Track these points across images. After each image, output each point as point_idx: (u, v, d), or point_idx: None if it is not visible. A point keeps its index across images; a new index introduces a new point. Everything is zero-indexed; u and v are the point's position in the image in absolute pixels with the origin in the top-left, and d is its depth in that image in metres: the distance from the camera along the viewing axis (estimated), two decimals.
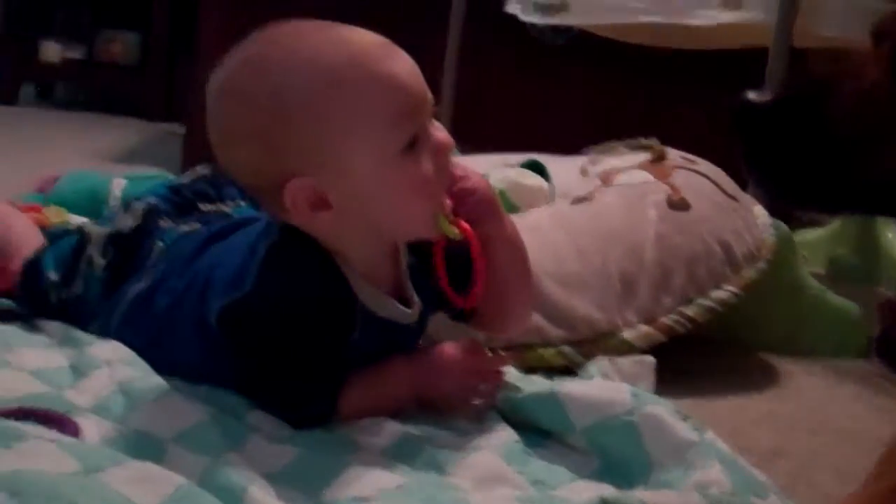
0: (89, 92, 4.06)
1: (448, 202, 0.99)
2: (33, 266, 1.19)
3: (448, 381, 1.01)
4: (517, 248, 1.07)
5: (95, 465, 0.79)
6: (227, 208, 1.18)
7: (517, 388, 1.03)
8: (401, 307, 1.02)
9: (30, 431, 0.83)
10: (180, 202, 1.18)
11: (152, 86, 3.75)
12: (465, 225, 1.00)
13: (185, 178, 1.21)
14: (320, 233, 0.97)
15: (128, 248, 1.14)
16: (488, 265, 1.03)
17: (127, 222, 1.15)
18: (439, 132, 0.98)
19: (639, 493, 0.77)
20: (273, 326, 0.95)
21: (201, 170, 1.22)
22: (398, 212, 0.97)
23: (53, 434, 0.86)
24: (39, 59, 3.83)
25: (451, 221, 0.98)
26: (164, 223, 1.15)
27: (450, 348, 1.03)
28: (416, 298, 1.03)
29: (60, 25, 3.92)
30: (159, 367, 1.03)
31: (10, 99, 3.75)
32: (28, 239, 1.24)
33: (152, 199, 1.17)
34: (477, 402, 1.01)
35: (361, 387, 0.98)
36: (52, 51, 3.83)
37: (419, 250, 1.04)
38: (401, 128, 0.94)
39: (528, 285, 1.09)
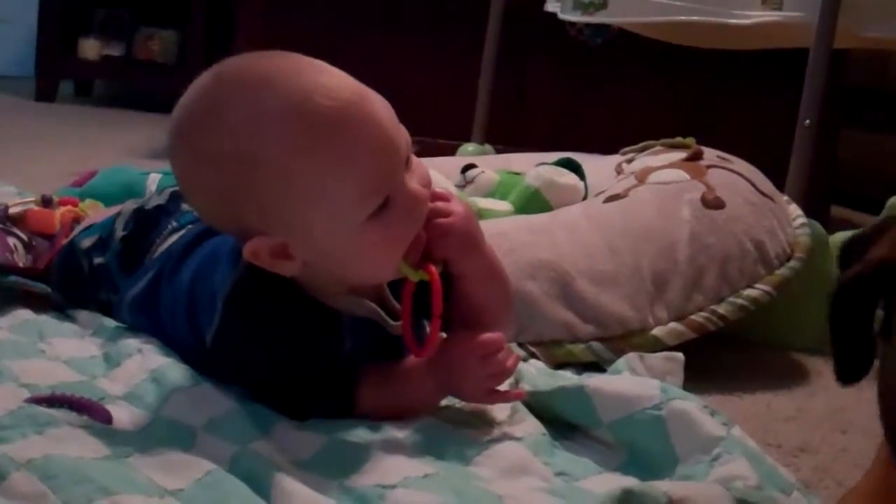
0: (127, 89, 4.10)
1: (420, 242, 0.95)
2: (71, 243, 1.22)
3: (471, 382, 0.98)
4: (496, 281, 1.03)
5: (125, 451, 0.80)
6: None
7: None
8: (383, 314, 0.99)
9: (61, 417, 0.85)
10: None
11: (190, 83, 3.79)
12: (432, 268, 0.95)
13: None
14: (284, 273, 0.94)
15: (146, 224, 1.16)
16: (466, 298, 1.00)
17: (153, 201, 1.18)
18: (413, 182, 0.92)
19: (663, 484, 0.77)
20: (260, 354, 0.95)
21: None
22: (362, 266, 0.94)
23: (85, 420, 0.87)
24: (78, 57, 3.87)
25: (415, 265, 0.95)
26: (186, 205, 1.15)
27: (468, 350, 0.98)
28: (396, 310, 1.00)
29: (99, 23, 3.96)
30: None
31: (48, 96, 3.79)
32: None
33: None
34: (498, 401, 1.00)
35: (380, 384, 0.98)
36: (90, 48, 3.87)
37: None
38: (369, 200, 0.90)
39: (506, 314, 1.07)
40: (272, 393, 0.96)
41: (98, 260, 1.18)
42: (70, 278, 1.21)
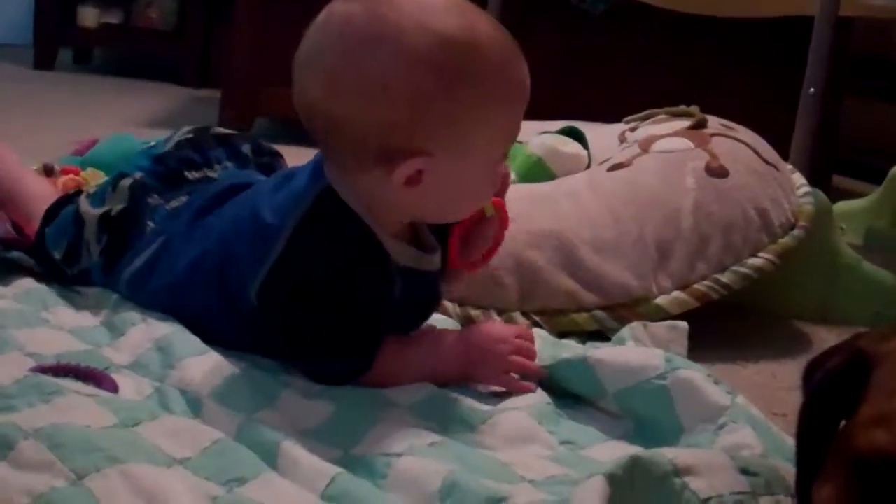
0: (127, 57, 4.08)
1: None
2: (40, 240, 1.19)
3: (496, 361, 1.01)
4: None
5: (132, 419, 0.80)
6: (213, 173, 1.17)
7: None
8: (424, 255, 1.02)
9: (68, 386, 0.85)
10: (166, 172, 1.17)
11: (189, 51, 3.76)
12: (499, 201, 1.05)
13: (169, 144, 1.19)
14: (381, 200, 0.96)
15: (119, 230, 1.14)
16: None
17: (116, 204, 1.14)
18: None
19: (668, 451, 0.77)
20: (313, 290, 0.95)
21: (184, 133, 1.20)
22: (460, 204, 1.00)
23: (91, 389, 0.87)
24: (77, 24, 3.84)
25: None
26: (153, 200, 1.14)
27: (498, 328, 1.05)
28: (433, 242, 1.04)
29: None
30: None
31: (47, 64, 3.77)
32: (44, 198, 1.24)
33: (138, 175, 1.15)
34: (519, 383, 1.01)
35: (402, 349, 0.99)
36: (89, 16, 3.84)
37: None
38: (512, 137, 0.99)
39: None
40: (304, 338, 0.97)
41: (74, 270, 1.16)
42: (53, 274, 1.18)
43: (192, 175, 1.17)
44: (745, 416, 0.90)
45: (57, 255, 1.17)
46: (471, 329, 1.06)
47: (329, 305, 0.95)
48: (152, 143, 1.64)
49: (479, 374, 1.01)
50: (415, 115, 0.91)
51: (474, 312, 1.26)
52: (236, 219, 1.02)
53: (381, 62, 0.90)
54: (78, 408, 0.80)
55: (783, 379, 1.25)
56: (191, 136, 1.20)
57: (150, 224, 1.12)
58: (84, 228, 1.15)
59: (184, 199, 1.13)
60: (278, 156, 1.24)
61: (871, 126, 2.96)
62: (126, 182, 1.15)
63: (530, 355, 1.03)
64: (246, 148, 1.22)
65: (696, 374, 0.94)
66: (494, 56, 0.93)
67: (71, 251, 1.16)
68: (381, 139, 0.92)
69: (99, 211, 1.15)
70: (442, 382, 0.99)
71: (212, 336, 1.01)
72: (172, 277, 1.06)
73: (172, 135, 1.22)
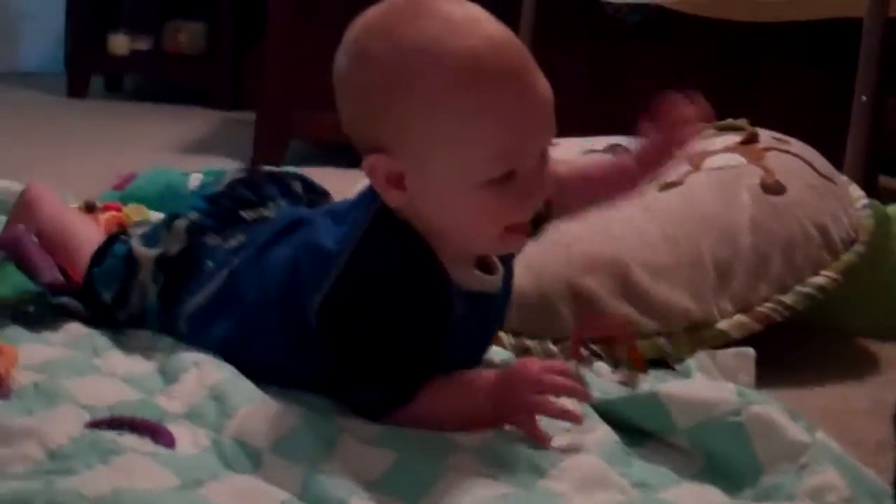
0: (158, 83, 4.08)
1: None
2: (88, 286, 1.17)
3: (529, 396, 0.93)
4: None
5: (195, 480, 0.77)
6: (268, 212, 1.16)
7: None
8: (486, 276, 1.00)
9: (125, 444, 0.82)
10: (221, 213, 1.15)
11: (220, 74, 3.76)
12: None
13: (223, 185, 1.17)
14: (389, 201, 0.95)
15: (177, 271, 1.12)
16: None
17: (173, 245, 1.13)
18: (541, 173, 0.94)
19: None
20: (371, 309, 0.94)
21: (237, 173, 1.19)
22: (457, 227, 0.95)
23: (148, 445, 0.85)
24: (108, 52, 3.85)
25: None
26: (211, 240, 1.12)
27: (533, 364, 0.98)
28: (496, 261, 1.02)
29: (127, 17, 3.94)
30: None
31: (79, 92, 3.78)
32: (90, 240, 1.22)
33: (193, 216, 1.14)
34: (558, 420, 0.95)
35: (442, 387, 0.95)
36: (119, 43, 3.85)
37: None
38: (494, 165, 0.92)
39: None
40: (360, 361, 0.95)
41: (125, 314, 1.14)
42: (101, 318, 1.15)
43: (247, 215, 1.15)
44: (828, 455, 0.87)
45: (107, 297, 1.15)
46: (503, 374, 0.98)
47: (384, 327, 0.94)
48: (196, 178, 1.64)
49: (511, 421, 0.95)
50: (369, 112, 0.94)
51: (530, 343, 1.23)
52: (299, 248, 1.02)
53: (346, 63, 0.96)
54: (138, 468, 0.78)
55: (854, 403, 1.21)
56: (243, 175, 1.19)
57: (210, 263, 1.10)
58: (138, 270, 1.13)
59: (242, 238, 1.11)
60: (327, 195, 1.22)
61: None
62: (182, 223, 1.14)
63: (566, 390, 0.95)
64: (297, 185, 1.20)
65: (772, 409, 0.90)
66: (454, 64, 0.90)
67: (122, 294, 1.14)
68: (357, 132, 0.96)
69: (155, 252, 1.13)
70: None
71: (275, 374, 1.00)
72: (238, 311, 1.05)
73: (223, 174, 1.21)
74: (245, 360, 1.03)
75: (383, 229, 0.96)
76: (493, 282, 1.01)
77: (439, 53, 0.91)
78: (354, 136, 0.97)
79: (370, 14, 0.96)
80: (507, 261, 1.04)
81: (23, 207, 1.32)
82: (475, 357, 1.06)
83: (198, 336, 1.08)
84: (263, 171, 1.22)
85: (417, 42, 0.92)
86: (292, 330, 1.00)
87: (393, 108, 0.92)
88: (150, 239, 1.15)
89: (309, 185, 1.21)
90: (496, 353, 1.18)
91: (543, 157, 0.95)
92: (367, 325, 0.94)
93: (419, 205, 0.95)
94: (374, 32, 0.95)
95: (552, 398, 0.94)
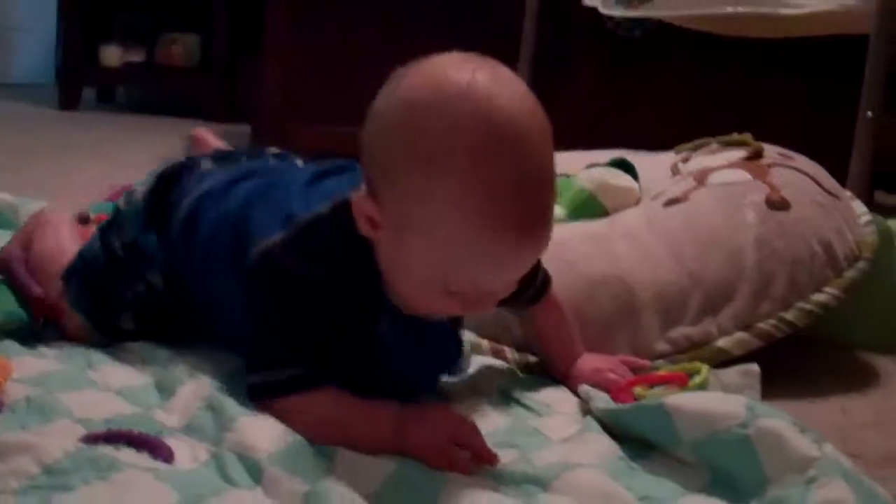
0: (151, 95, 4.07)
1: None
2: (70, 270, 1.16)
3: (429, 437, 0.88)
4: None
5: (196, 496, 0.75)
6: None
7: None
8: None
9: (124, 459, 0.80)
10: (221, 156, 1.19)
11: (214, 87, 3.75)
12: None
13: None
14: (362, 231, 0.92)
15: (170, 178, 1.14)
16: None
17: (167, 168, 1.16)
18: (494, 298, 0.92)
19: None
20: (297, 282, 0.93)
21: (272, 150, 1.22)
22: (405, 299, 0.94)
23: (147, 461, 0.83)
24: (100, 64, 3.84)
25: None
26: (205, 165, 1.16)
27: (445, 409, 0.97)
28: None
29: (120, 29, 3.93)
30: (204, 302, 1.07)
31: (72, 104, 3.76)
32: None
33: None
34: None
35: (344, 397, 0.93)
36: (112, 55, 3.84)
37: None
38: (455, 286, 0.88)
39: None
40: (272, 337, 0.94)
41: (118, 242, 1.13)
42: (93, 285, 1.14)
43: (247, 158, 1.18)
44: (836, 468, 0.85)
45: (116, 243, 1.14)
46: (419, 409, 0.94)
47: (300, 305, 0.93)
48: None
49: (417, 454, 0.89)
50: (378, 153, 0.89)
51: (533, 359, 1.22)
52: (267, 187, 1.03)
53: (384, 96, 0.89)
54: (137, 484, 0.76)
55: (855, 416, 1.20)
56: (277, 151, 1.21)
57: (200, 170, 1.14)
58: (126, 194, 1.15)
59: (230, 166, 1.15)
60: None
61: None
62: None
63: (477, 451, 0.89)
64: (291, 157, 1.21)
65: (781, 422, 0.89)
66: (489, 209, 0.83)
67: (113, 224, 1.15)
68: (363, 158, 0.91)
69: (145, 187, 1.14)
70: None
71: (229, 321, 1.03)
72: (211, 224, 1.06)
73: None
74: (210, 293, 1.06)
75: (344, 219, 0.93)
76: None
77: (474, 173, 0.83)
78: (363, 155, 0.92)
79: (393, 86, 0.89)
80: None
81: (29, 228, 1.29)
82: (417, 389, 1.04)
83: (188, 231, 1.09)
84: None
85: (460, 143, 0.84)
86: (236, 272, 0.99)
87: (401, 177, 0.86)
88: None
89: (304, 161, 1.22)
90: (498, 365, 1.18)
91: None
92: (286, 295, 0.93)
93: (380, 254, 0.93)
94: (390, 105, 0.88)
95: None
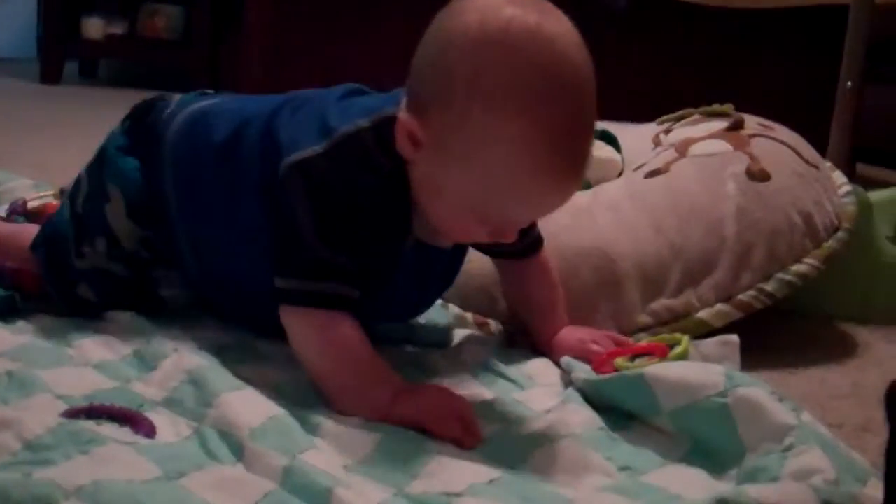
0: (133, 68, 4.05)
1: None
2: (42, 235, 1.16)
3: (436, 405, 0.92)
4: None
5: (177, 471, 0.76)
6: None
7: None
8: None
9: (106, 433, 0.81)
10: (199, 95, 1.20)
11: (197, 59, 3.73)
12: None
13: None
14: (400, 150, 0.93)
15: (144, 109, 1.16)
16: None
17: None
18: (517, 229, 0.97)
19: (752, 489, 0.73)
20: (338, 191, 0.94)
21: None
22: (432, 220, 0.96)
23: (128, 435, 0.84)
24: (82, 37, 3.81)
25: None
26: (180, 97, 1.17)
27: (442, 387, 0.98)
28: None
29: (102, 1, 3.90)
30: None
31: (54, 78, 3.74)
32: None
33: None
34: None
35: (358, 346, 0.94)
36: (94, 27, 3.81)
37: None
38: (488, 216, 0.92)
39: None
40: (306, 251, 0.94)
41: (81, 198, 1.14)
42: (55, 252, 1.13)
43: None
44: (813, 436, 0.86)
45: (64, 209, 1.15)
46: (425, 386, 0.98)
47: (341, 214, 0.94)
48: None
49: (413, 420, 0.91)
50: (422, 79, 0.90)
51: (517, 332, 1.22)
52: (295, 100, 1.03)
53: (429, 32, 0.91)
54: (118, 459, 0.76)
55: (833, 386, 1.21)
56: None
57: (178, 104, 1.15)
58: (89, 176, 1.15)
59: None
60: None
61: (891, 112, 2.91)
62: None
63: (467, 435, 0.90)
64: None
65: (759, 391, 0.90)
66: (545, 139, 0.86)
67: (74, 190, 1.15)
68: (412, 79, 0.92)
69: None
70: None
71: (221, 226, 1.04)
72: (224, 135, 1.05)
73: None
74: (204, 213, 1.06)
75: (386, 135, 0.94)
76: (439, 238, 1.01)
77: (534, 114, 0.86)
78: (412, 76, 0.93)
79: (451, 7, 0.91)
80: None
81: None
82: (410, 311, 1.09)
83: (187, 140, 1.10)
84: None
85: (531, 75, 0.86)
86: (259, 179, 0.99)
87: (456, 103, 0.88)
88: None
89: None
90: (481, 341, 1.18)
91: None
92: (327, 206, 0.94)
93: (415, 175, 0.94)
94: (458, 20, 0.89)
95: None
